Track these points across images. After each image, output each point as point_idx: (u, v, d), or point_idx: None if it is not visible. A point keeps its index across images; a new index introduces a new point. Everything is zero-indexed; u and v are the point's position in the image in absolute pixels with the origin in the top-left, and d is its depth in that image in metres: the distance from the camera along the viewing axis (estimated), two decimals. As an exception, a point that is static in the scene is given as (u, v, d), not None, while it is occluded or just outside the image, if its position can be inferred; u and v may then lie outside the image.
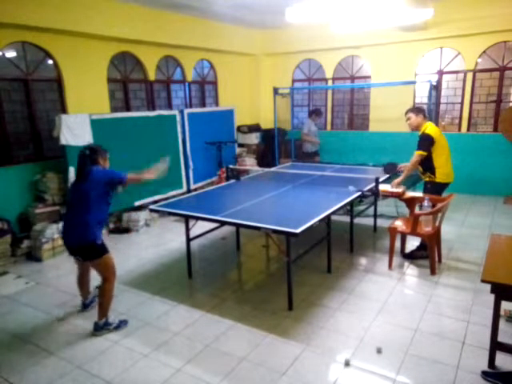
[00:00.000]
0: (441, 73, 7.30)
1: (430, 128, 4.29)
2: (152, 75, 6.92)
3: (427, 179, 4.41)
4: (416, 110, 4.46)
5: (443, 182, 4.33)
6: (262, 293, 3.84)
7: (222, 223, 3.76)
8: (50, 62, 5.56)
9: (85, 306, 3.61)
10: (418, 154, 4.27)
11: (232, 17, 7.10)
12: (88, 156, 3.16)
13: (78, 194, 3.13)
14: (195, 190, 6.53)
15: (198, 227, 4.24)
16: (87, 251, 3.15)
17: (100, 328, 3.20)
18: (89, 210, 3.08)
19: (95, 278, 3.35)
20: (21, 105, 5.31)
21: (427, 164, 4.32)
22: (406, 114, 4.48)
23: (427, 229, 4.10)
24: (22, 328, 3.36)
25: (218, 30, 7.57)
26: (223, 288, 3.98)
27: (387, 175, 4.92)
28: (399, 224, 4.36)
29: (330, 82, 8.44)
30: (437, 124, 6.80)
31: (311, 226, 3.21)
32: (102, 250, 3.17)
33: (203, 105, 8.15)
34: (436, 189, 4.36)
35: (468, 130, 7.25)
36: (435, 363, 2.74)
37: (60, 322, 3.41)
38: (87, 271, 3.53)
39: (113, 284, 3.25)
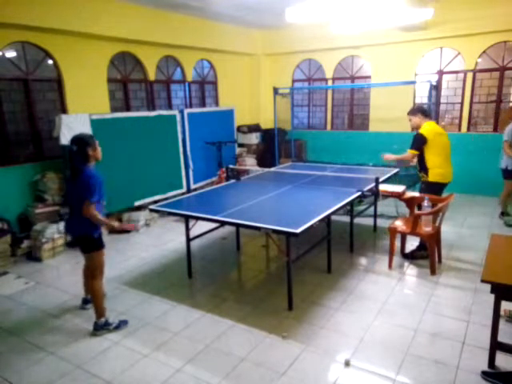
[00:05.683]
0: (441, 73, 7.30)
1: (424, 127, 4.32)
2: (152, 75, 6.92)
3: (422, 179, 4.44)
4: (414, 110, 4.47)
5: (437, 181, 4.32)
6: (262, 293, 3.84)
7: (222, 223, 3.76)
8: (50, 62, 5.56)
9: (85, 302, 3.62)
10: (409, 153, 4.37)
11: (232, 17, 7.10)
12: (77, 152, 3.04)
13: (73, 193, 3.15)
14: (195, 189, 6.53)
15: (198, 227, 4.24)
16: (83, 243, 3.18)
17: (100, 328, 3.20)
18: (81, 205, 3.07)
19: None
20: (21, 105, 5.31)
21: (421, 163, 4.36)
22: (408, 115, 4.52)
23: (427, 229, 4.10)
24: (21, 328, 3.36)
25: (218, 30, 7.56)
26: (223, 288, 3.98)
27: (387, 175, 4.92)
28: (399, 224, 4.36)
29: (330, 82, 8.44)
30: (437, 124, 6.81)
31: (311, 226, 3.21)
32: (98, 244, 3.19)
33: (203, 105, 8.15)
34: (431, 188, 4.35)
35: (468, 130, 7.25)
36: (435, 363, 2.74)
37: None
38: None
39: (99, 282, 3.25)
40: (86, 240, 3.15)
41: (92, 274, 3.23)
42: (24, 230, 5.09)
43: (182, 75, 7.60)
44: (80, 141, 3.09)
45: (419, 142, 4.28)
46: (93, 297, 3.23)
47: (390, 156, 4.74)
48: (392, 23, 6.24)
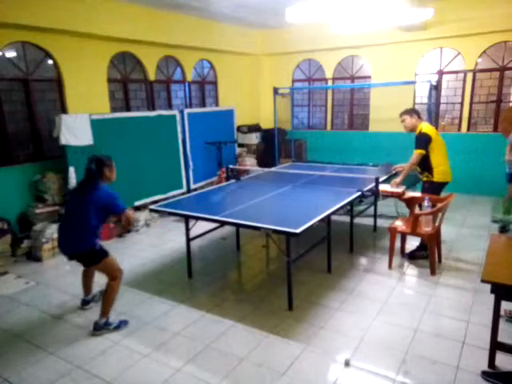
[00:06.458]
0: (441, 73, 7.30)
1: (424, 127, 4.35)
2: (152, 75, 6.91)
3: (425, 179, 4.43)
4: (410, 111, 4.49)
5: (441, 181, 4.35)
6: (262, 293, 3.84)
7: (222, 223, 3.77)
8: (50, 62, 5.56)
9: (84, 303, 3.62)
10: (417, 153, 4.30)
11: (232, 17, 7.10)
12: (95, 171, 3.14)
13: (78, 205, 3.14)
14: (195, 190, 6.53)
15: (198, 227, 4.24)
16: (87, 258, 3.20)
17: (100, 328, 3.20)
18: (86, 219, 3.09)
19: (100, 277, 3.36)
20: (21, 105, 5.31)
21: (425, 163, 4.35)
22: (401, 116, 4.51)
23: (427, 229, 4.10)
24: (21, 328, 3.36)
25: (218, 30, 7.56)
26: (223, 288, 3.98)
27: (385, 176, 4.91)
28: (399, 224, 4.36)
29: (330, 82, 8.44)
30: (437, 124, 6.81)
31: (311, 226, 3.21)
32: (101, 254, 3.20)
33: (203, 105, 8.14)
34: (434, 188, 4.37)
35: (468, 130, 7.24)
36: (435, 363, 2.74)
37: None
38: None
39: (120, 282, 3.28)
40: (90, 255, 3.16)
41: (113, 276, 3.24)
42: (24, 230, 5.09)
43: (182, 75, 7.59)
44: (99, 161, 3.19)
45: (425, 141, 4.28)
46: (109, 295, 3.23)
47: (397, 180, 4.53)
48: (392, 23, 6.24)
